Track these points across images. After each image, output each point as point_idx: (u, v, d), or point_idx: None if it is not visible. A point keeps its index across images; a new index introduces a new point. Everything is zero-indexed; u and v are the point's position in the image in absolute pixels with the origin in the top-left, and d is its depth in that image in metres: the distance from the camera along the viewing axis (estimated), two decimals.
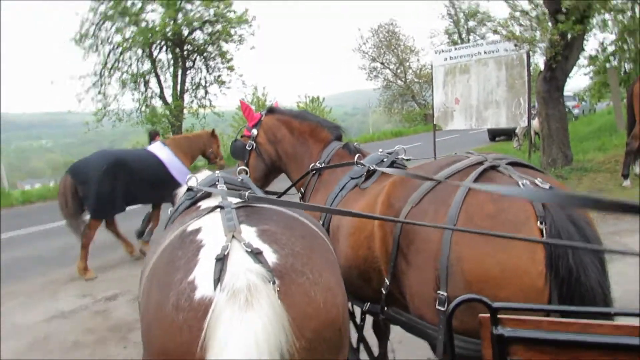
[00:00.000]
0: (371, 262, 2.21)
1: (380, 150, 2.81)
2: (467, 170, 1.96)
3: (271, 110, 3.48)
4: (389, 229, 2.05)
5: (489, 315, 1.14)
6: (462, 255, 1.75)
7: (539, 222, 1.68)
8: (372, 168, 2.59)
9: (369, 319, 2.70)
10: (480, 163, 1.98)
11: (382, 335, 3.10)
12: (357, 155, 2.82)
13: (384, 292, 2.14)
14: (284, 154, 3.35)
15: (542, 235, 1.66)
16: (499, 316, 1.14)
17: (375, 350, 2.93)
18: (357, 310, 2.60)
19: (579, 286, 1.61)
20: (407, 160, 2.73)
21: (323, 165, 3.03)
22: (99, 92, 19.34)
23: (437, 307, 1.81)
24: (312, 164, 3.09)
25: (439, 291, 1.80)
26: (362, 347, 2.63)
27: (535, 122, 11.39)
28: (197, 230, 1.67)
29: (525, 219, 1.70)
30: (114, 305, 5.69)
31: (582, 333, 1.06)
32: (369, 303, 2.36)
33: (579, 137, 14.30)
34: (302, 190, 3.18)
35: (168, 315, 1.38)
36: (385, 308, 2.21)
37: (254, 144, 3.46)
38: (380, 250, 2.12)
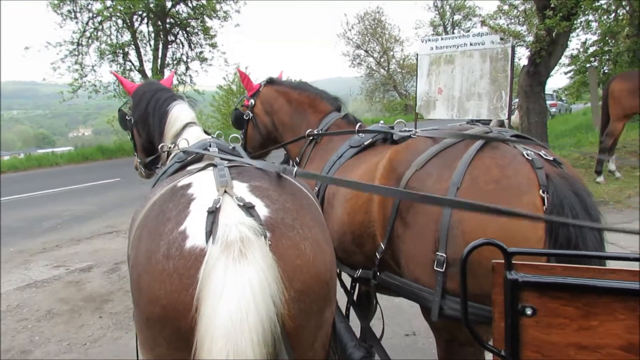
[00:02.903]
0: (367, 226, 2.21)
1: (381, 122, 2.80)
2: (473, 139, 1.98)
3: (270, 81, 3.43)
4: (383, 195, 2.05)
5: (502, 261, 1.14)
6: (464, 217, 1.76)
7: (541, 191, 1.70)
8: (380, 134, 2.58)
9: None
10: (486, 133, 2.01)
11: (367, 308, 3.11)
12: (358, 124, 2.81)
13: (378, 256, 2.15)
14: (280, 124, 3.31)
15: (544, 204, 1.68)
16: (512, 262, 1.13)
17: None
18: (347, 281, 2.63)
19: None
20: (409, 131, 2.71)
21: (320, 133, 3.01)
22: (76, 62, 18.74)
23: (435, 268, 1.82)
24: (309, 130, 3.07)
25: (437, 252, 1.81)
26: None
27: (514, 117, 11.58)
28: (188, 185, 1.66)
29: (528, 186, 1.72)
30: (87, 276, 5.59)
31: (597, 279, 1.06)
32: (360, 270, 2.36)
33: (555, 134, 14.61)
34: (297, 159, 3.15)
35: (158, 262, 1.37)
36: (378, 273, 2.21)
37: (251, 114, 3.43)
38: (378, 213, 2.12)
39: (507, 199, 1.71)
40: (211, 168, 1.83)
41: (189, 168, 2.13)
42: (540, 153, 1.84)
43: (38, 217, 8.66)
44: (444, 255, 1.79)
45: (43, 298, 4.94)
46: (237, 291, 1.24)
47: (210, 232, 1.35)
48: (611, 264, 1.25)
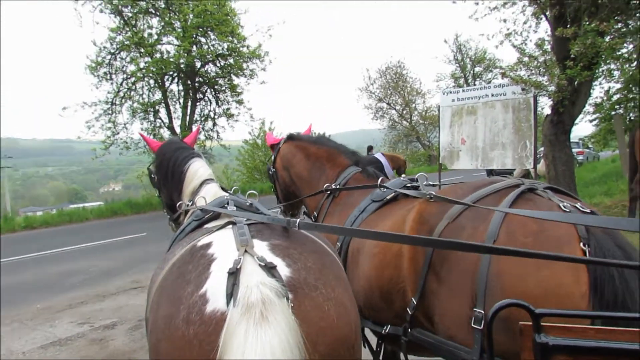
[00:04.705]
0: (396, 282, 2.13)
1: (403, 176, 2.78)
2: (506, 191, 1.92)
3: (290, 137, 3.50)
4: (420, 245, 1.98)
5: (530, 323, 1.08)
6: (502, 270, 1.68)
7: (581, 244, 1.62)
8: (399, 191, 2.54)
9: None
10: (518, 185, 1.95)
11: None
12: (380, 179, 2.78)
13: (409, 312, 2.06)
14: (297, 178, 3.33)
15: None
16: (542, 323, 1.07)
17: None
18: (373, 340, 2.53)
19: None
20: (433, 185, 2.63)
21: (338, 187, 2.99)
22: (109, 120, 19.58)
23: (473, 325, 1.72)
24: (327, 185, 3.06)
25: (475, 309, 1.72)
26: None
27: (540, 165, 11.43)
28: (208, 245, 1.63)
29: (568, 239, 1.65)
30: (111, 334, 5.55)
31: (634, 342, 0.99)
32: (389, 325, 2.25)
33: (584, 182, 14.32)
34: (315, 213, 3.13)
35: (178, 329, 1.34)
36: (410, 330, 2.11)
37: (273, 169, 3.49)
38: (408, 268, 2.05)
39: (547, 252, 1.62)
40: (230, 226, 1.82)
41: (206, 226, 2.13)
42: (577, 205, 1.77)
43: (66, 273, 8.77)
44: (482, 311, 1.70)
45: (66, 356, 4.91)
46: (258, 357, 1.20)
47: (231, 294, 1.32)
48: None
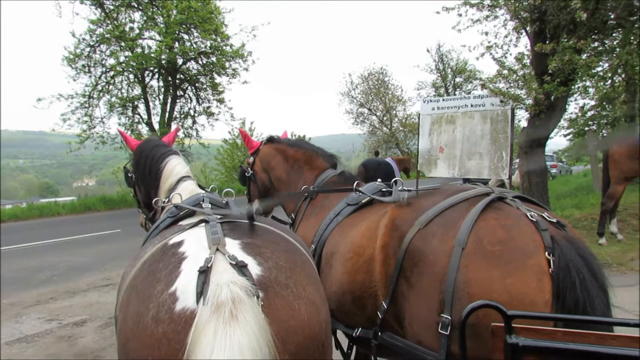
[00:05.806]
0: (368, 286, 2.17)
1: (379, 180, 2.82)
2: (475, 199, 1.98)
3: (270, 140, 3.50)
4: (392, 251, 2.03)
5: (502, 324, 1.12)
6: (470, 278, 1.74)
7: (546, 253, 1.69)
8: (372, 197, 2.58)
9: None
10: (488, 194, 2.01)
11: None
12: (355, 182, 2.81)
13: (380, 316, 2.10)
14: (276, 180, 3.35)
15: (550, 266, 1.67)
16: (513, 325, 1.11)
17: None
18: (344, 342, 2.54)
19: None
20: (408, 191, 2.68)
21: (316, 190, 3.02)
22: (86, 114, 19.16)
23: (440, 330, 1.76)
24: (305, 187, 3.08)
25: (442, 314, 1.77)
26: None
27: (515, 176, 11.69)
28: (180, 243, 1.63)
29: (534, 248, 1.71)
30: (80, 331, 5.44)
31: (599, 345, 1.04)
32: (360, 328, 2.29)
33: (556, 194, 14.66)
34: (292, 215, 3.14)
35: (147, 327, 1.33)
36: (380, 333, 2.15)
37: (251, 171, 3.47)
38: (380, 273, 2.09)
39: (513, 260, 1.71)
40: (203, 224, 1.82)
41: (180, 223, 2.12)
42: (543, 215, 1.84)
43: (35, 268, 8.55)
44: (449, 317, 1.75)
45: (32, 353, 4.79)
46: (228, 356, 1.20)
47: (201, 293, 1.32)
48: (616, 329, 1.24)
